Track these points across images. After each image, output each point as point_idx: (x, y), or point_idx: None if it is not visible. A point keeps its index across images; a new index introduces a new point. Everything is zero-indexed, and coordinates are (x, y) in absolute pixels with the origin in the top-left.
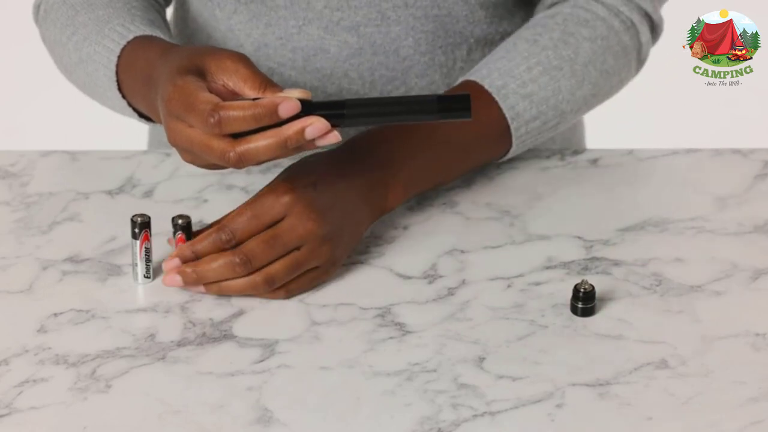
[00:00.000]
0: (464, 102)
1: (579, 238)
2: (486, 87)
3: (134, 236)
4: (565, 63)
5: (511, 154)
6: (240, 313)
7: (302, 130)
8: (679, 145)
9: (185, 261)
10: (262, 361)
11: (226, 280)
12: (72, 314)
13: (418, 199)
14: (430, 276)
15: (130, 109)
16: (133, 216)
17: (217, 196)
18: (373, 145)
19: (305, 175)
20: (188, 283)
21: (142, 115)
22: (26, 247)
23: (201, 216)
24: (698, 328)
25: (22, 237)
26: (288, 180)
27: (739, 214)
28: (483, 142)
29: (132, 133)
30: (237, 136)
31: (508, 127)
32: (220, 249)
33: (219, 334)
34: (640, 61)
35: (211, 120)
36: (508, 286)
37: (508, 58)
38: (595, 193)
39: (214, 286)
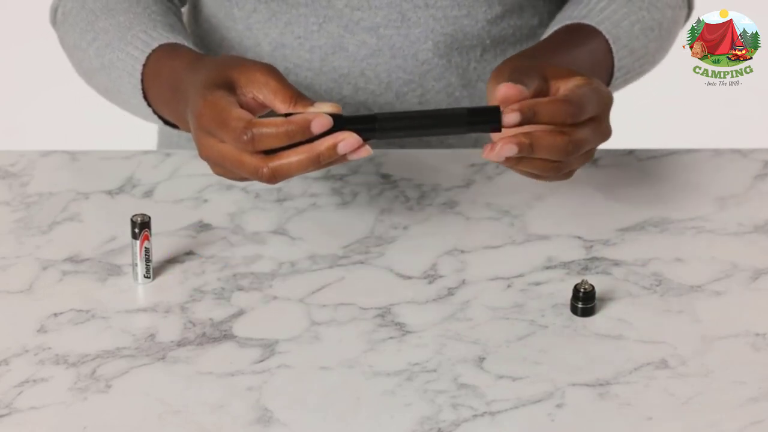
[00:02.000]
0: (494, 114)
1: (579, 238)
2: (604, 33)
3: (134, 236)
4: (655, 26)
5: None
6: (240, 313)
7: (334, 146)
8: (679, 145)
9: (524, 120)
10: (262, 361)
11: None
12: (72, 314)
13: (417, 199)
14: (430, 276)
15: (154, 116)
16: (133, 216)
17: (217, 196)
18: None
19: None
20: (520, 152)
21: (166, 122)
22: (26, 247)
23: (201, 216)
24: (698, 328)
25: (22, 237)
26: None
27: (739, 214)
28: (599, 74)
29: (132, 133)
30: (269, 152)
31: (612, 76)
32: (560, 122)
33: (219, 334)
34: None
35: (245, 137)
36: (508, 286)
37: (612, 9)
38: (595, 193)
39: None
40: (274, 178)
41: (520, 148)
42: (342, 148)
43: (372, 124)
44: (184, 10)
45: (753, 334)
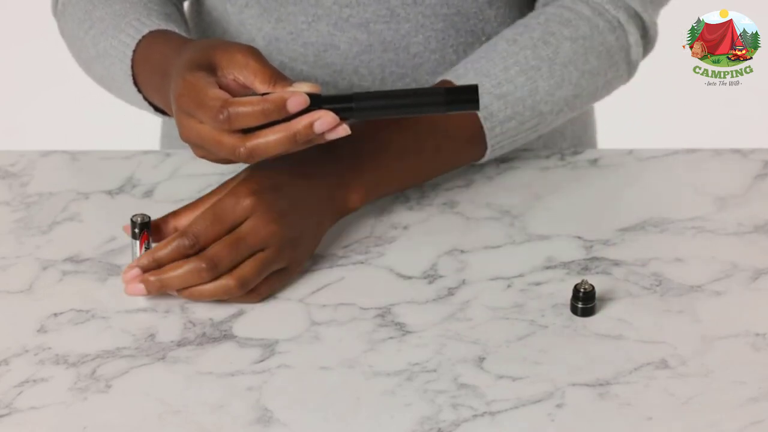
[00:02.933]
0: (472, 93)
1: (579, 238)
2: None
3: (134, 236)
4: (543, 63)
5: (488, 156)
6: (240, 313)
7: (311, 124)
8: (679, 145)
9: (146, 270)
10: (262, 361)
11: (193, 286)
12: (72, 314)
13: (417, 199)
14: (430, 276)
15: (146, 103)
16: (133, 216)
17: None
18: (337, 146)
19: (267, 176)
20: (151, 291)
21: (157, 109)
22: (26, 247)
23: None
24: (698, 328)
25: (22, 237)
26: (249, 181)
27: (739, 214)
28: (455, 144)
29: (133, 133)
30: (248, 131)
31: (481, 128)
32: (184, 255)
33: (219, 334)
34: (630, 63)
35: (221, 116)
36: (508, 286)
37: (487, 58)
38: (595, 193)
39: (186, 292)
40: (251, 157)
41: (148, 289)
42: (319, 127)
43: (349, 103)
44: (187, 3)
45: (753, 334)
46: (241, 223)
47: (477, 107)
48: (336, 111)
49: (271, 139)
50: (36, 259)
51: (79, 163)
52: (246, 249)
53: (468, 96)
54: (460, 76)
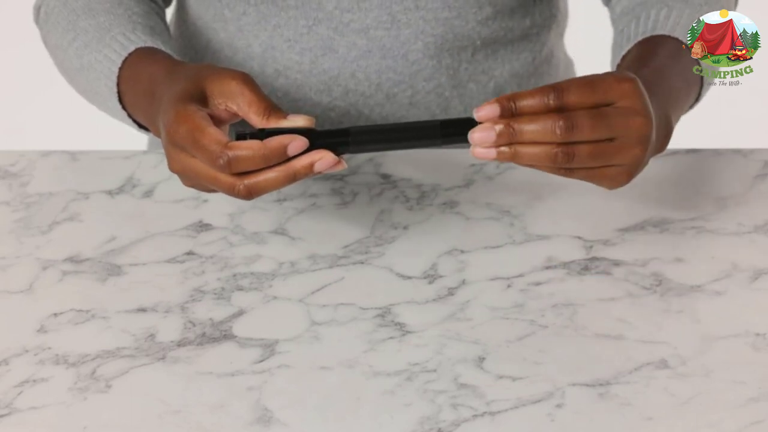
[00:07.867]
0: (467, 126)
1: (579, 238)
2: (681, 40)
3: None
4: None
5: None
6: (240, 313)
7: (311, 165)
8: (679, 145)
9: (501, 135)
10: (262, 361)
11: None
12: (72, 314)
13: (417, 199)
14: (430, 276)
15: (129, 120)
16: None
17: (217, 196)
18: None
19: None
20: (502, 159)
21: (141, 126)
22: (26, 247)
23: (201, 216)
24: (698, 328)
25: (22, 237)
26: (629, 71)
27: (739, 214)
28: (691, 92)
29: (132, 133)
30: None
31: (701, 84)
32: (544, 109)
33: (219, 334)
34: None
35: (221, 161)
36: (508, 286)
37: (676, 15)
38: (595, 193)
39: (518, 154)
40: (249, 194)
41: (498, 156)
42: (319, 167)
43: (345, 138)
44: (170, 10)
45: (753, 334)
46: (607, 105)
47: None
48: (332, 145)
49: (270, 177)
50: (36, 259)
51: (79, 163)
52: (605, 129)
53: (463, 129)
54: (671, 32)
